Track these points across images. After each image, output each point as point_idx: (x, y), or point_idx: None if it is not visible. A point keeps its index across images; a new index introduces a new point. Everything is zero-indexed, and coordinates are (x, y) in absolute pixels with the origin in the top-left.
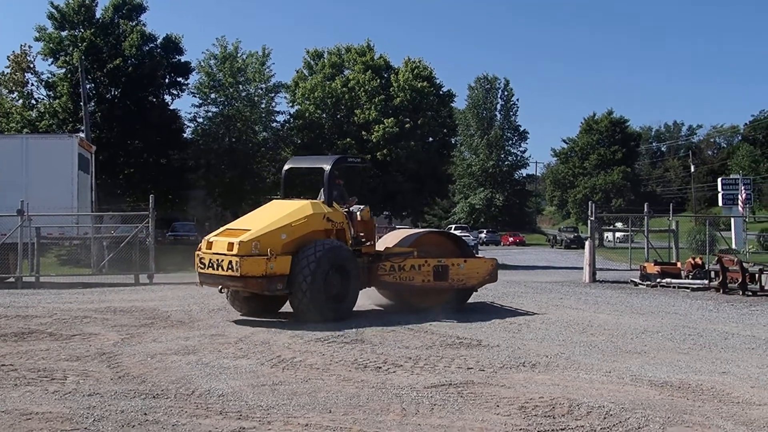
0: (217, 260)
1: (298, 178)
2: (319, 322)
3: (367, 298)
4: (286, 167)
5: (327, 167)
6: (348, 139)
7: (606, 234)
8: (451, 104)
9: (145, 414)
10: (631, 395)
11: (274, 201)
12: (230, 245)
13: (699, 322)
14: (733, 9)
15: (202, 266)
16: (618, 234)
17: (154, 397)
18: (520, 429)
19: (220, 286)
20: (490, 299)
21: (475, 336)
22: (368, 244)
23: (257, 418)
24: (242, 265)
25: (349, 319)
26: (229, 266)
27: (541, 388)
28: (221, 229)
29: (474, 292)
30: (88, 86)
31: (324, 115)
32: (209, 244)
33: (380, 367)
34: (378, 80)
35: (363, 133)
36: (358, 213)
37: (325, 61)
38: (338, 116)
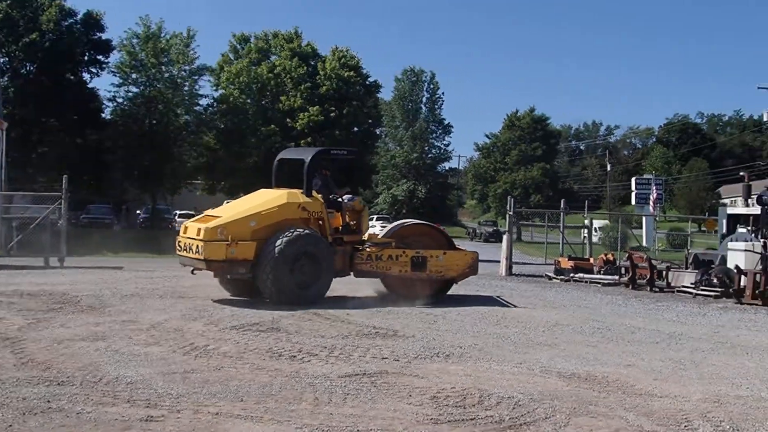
0: (189, 244)
1: (293, 168)
2: (285, 305)
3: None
4: (277, 158)
5: (307, 159)
6: (272, 126)
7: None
8: (377, 95)
9: (48, 402)
10: (540, 386)
11: (260, 190)
12: (198, 230)
13: (608, 316)
14: (656, 12)
15: (179, 249)
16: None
17: (58, 384)
18: (431, 418)
19: (192, 268)
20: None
21: (392, 326)
22: (357, 233)
23: (166, 407)
24: (205, 249)
25: (318, 304)
26: (197, 250)
27: (454, 378)
28: (201, 215)
29: (455, 284)
30: (1, 60)
31: (249, 101)
32: (185, 229)
33: (295, 356)
34: (305, 68)
35: (288, 120)
36: (348, 203)
37: (252, 45)
38: (263, 102)
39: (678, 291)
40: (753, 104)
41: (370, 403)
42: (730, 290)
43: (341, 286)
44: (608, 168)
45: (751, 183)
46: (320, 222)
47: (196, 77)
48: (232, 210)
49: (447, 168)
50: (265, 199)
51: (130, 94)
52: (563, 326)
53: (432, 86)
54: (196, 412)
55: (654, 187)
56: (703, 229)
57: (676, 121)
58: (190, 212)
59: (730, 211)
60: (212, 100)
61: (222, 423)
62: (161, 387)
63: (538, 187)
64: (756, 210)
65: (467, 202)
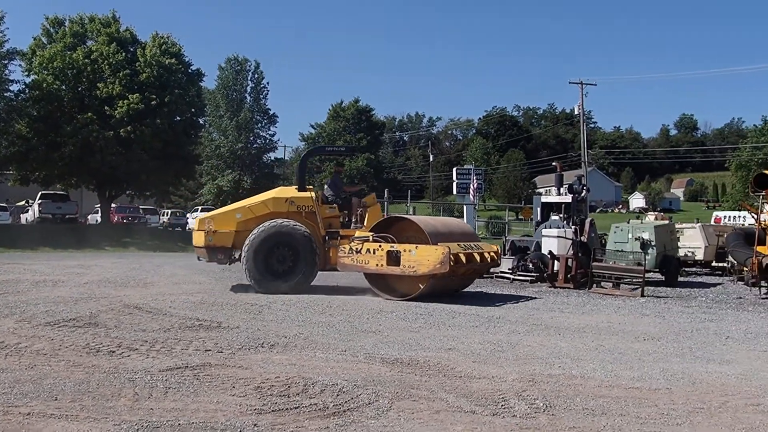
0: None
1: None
2: (261, 293)
3: None
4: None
5: (303, 156)
6: (89, 114)
7: None
8: (200, 83)
9: None
10: (363, 372)
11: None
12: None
13: (429, 302)
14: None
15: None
16: None
17: None
18: (255, 409)
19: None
20: (235, 281)
21: (215, 318)
22: (360, 227)
23: None
24: (193, 237)
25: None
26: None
27: (278, 368)
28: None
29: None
30: None
31: (64, 87)
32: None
33: (114, 351)
34: (123, 54)
35: (106, 108)
36: (358, 199)
37: (67, 29)
38: (79, 89)
39: (497, 276)
40: (565, 98)
41: (193, 396)
42: (545, 275)
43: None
44: (431, 159)
45: (563, 173)
46: (310, 215)
47: (6, 62)
48: (233, 204)
49: (273, 158)
50: (261, 195)
51: None
52: (387, 313)
53: (257, 75)
54: (5, 414)
55: (474, 177)
56: (520, 217)
57: (494, 113)
58: (2, 204)
59: (544, 199)
60: (24, 86)
61: (34, 423)
62: None
63: (363, 177)
64: (567, 198)
65: None
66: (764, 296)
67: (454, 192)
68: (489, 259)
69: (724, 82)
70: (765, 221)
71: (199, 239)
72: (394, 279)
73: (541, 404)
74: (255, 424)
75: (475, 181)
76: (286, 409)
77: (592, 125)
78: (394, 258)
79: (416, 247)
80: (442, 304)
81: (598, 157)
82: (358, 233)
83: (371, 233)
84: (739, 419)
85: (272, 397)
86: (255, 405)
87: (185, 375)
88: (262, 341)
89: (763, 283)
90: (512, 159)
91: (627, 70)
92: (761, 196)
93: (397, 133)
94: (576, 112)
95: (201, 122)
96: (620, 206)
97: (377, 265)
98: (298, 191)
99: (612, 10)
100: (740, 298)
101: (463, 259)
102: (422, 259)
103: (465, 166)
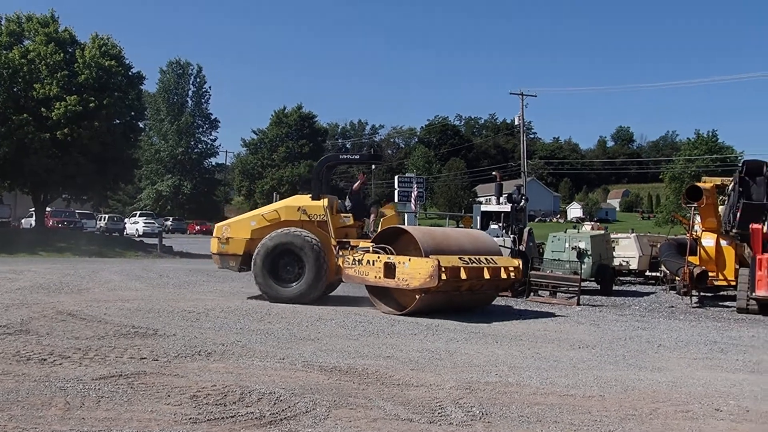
0: None
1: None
2: (270, 300)
3: None
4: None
5: (318, 163)
6: (25, 115)
7: None
8: (141, 86)
9: None
10: (301, 381)
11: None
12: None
13: (370, 309)
14: (409, 27)
15: None
16: None
17: None
18: (190, 418)
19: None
20: (171, 287)
21: (152, 325)
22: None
23: None
24: (211, 243)
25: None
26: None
27: (215, 376)
28: None
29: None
30: None
31: None
32: None
33: (45, 359)
34: (62, 54)
35: (42, 109)
36: (375, 209)
37: (2, 28)
38: (15, 89)
39: None
40: (506, 109)
41: (126, 405)
42: None
43: None
44: (373, 166)
45: (503, 182)
46: (322, 224)
47: None
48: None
49: (214, 163)
50: (276, 203)
51: None
52: (327, 321)
53: (199, 80)
54: None
55: (415, 186)
56: (460, 225)
57: (436, 122)
58: None
59: (483, 208)
60: None
61: None
62: None
63: (305, 184)
64: (507, 208)
65: (234, 199)
66: (695, 305)
67: (396, 200)
68: (506, 275)
69: (660, 96)
70: (696, 232)
71: (213, 246)
72: (398, 292)
73: (478, 412)
74: None
75: (416, 189)
76: (222, 418)
77: (532, 136)
78: (390, 270)
79: (409, 259)
80: (382, 312)
81: (537, 167)
82: (362, 243)
83: (372, 244)
84: (669, 426)
85: (208, 405)
86: (190, 414)
87: (119, 384)
88: (199, 349)
89: (693, 292)
90: (453, 168)
91: (567, 81)
92: (693, 208)
93: (339, 140)
94: (516, 123)
95: (141, 126)
96: (558, 216)
97: (375, 276)
98: (312, 200)
99: (554, 22)
100: (672, 306)
101: (464, 273)
102: (414, 272)
103: (407, 175)
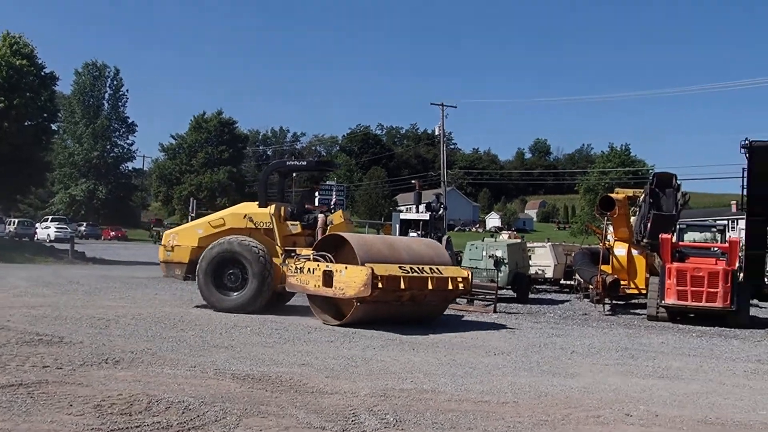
0: None
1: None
2: (216, 310)
3: None
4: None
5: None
6: None
7: None
8: (54, 87)
9: None
10: (212, 389)
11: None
12: None
13: (288, 317)
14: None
15: None
16: None
17: None
18: (92, 428)
19: None
20: (81, 294)
21: (58, 332)
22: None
23: None
24: (158, 251)
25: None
26: None
27: (122, 385)
28: None
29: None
30: None
31: None
32: None
33: None
34: None
35: None
36: (323, 217)
37: None
38: None
39: None
40: (427, 119)
41: (24, 416)
42: None
43: None
44: (294, 174)
45: (422, 191)
46: (268, 232)
47: None
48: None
49: (131, 168)
50: (223, 210)
51: None
52: (241, 328)
53: (115, 83)
54: None
55: (335, 193)
56: (380, 233)
57: (358, 131)
58: None
59: (403, 216)
60: None
61: None
62: None
63: (224, 190)
64: (425, 216)
65: (152, 204)
66: (608, 312)
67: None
68: (453, 285)
69: (575, 109)
70: (609, 242)
71: (160, 254)
72: (341, 301)
73: (392, 419)
74: None
75: (335, 197)
76: (127, 428)
77: (452, 146)
78: (329, 278)
79: (346, 267)
80: (298, 319)
81: (457, 177)
82: (304, 252)
83: (312, 251)
84: (580, 431)
85: (112, 415)
86: (93, 424)
87: (18, 393)
88: (106, 357)
89: (606, 300)
90: (375, 177)
91: (487, 94)
92: (606, 218)
93: (260, 147)
94: (437, 133)
95: (54, 128)
96: (477, 225)
97: (315, 285)
98: (259, 207)
99: (475, 37)
100: (585, 314)
101: (403, 283)
102: (350, 280)
103: (327, 182)
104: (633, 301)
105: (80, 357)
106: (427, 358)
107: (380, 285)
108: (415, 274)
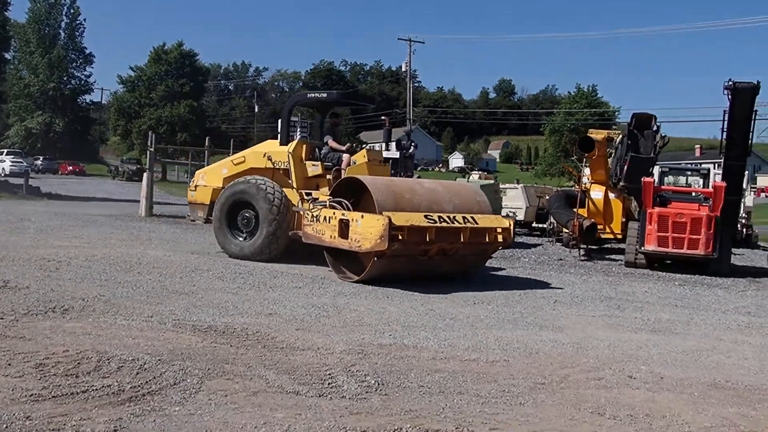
0: None
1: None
2: (229, 256)
3: None
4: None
5: (285, 105)
6: None
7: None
8: (6, 13)
9: None
10: (171, 344)
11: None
12: None
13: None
14: None
15: None
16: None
17: None
18: (32, 394)
19: None
20: (32, 232)
21: (2, 276)
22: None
23: None
24: (187, 192)
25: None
26: None
27: (69, 338)
28: None
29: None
30: None
31: None
32: None
33: None
34: None
35: None
36: (347, 157)
37: None
38: None
39: None
40: (392, 57)
41: None
42: None
43: None
44: (256, 109)
45: (391, 129)
46: (286, 172)
47: None
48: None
49: (89, 101)
50: (248, 149)
51: None
52: (203, 271)
53: (72, 11)
54: None
55: (299, 129)
56: None
57: (321, 67)
58: None
59: None
60: None
61: None
62: None
63: (185, 125)
64: (396, 154)
65: (110, 139)
66: (583, 258)
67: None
68: (491, 238)
69: (540, 49)
70: (586, 184)
71: (187, 195)
72: (364, 256)
73: (373, 381)
74: (27, 417)
75: (299, 133)
76: (72, 393)
77: (417, 85)
78: (345, 228)
79: (362, 216)
80: (263, 263)
81: (421, 116)
82: (321, 197)
83: (329, 197)
84: (583, 396)
85: (56, 377)
86: (32, 389)
87: None
88: (53, 305)
89: (582, 245)
90: (338, 112)
91: (451, 30)
92: (584, 160)
93: (222, 82)
94: (404, 69)
95: (7, 57)
96: (440, 165)
97: (331, 236)
98: (279, 145)
99: None
100: (561, 259)
101: (429, 235)
102: (365, 231)
103: (291, 119)
104: (606, 245)
105: (25, 305)
106: (403, 308)
107: (401, 237)
108: (444, 224)
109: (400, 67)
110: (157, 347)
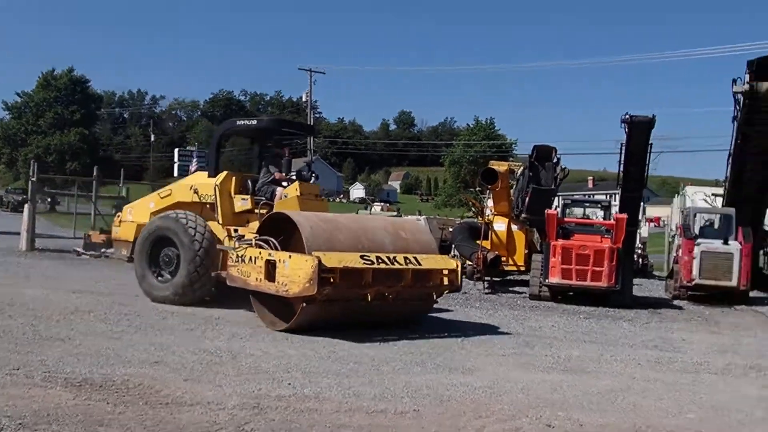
0: None
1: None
2: (151, 300)
3: None
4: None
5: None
6: None
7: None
8: None
9: None
10: (37, 402)
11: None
12: None
13: (140, 299)
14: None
15: None
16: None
17: None
18: None
19: None
20: None
21: None
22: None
23: None
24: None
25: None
26: None
27: None
28: None
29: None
30: None
31: None
32: None
33: None
34: None
35: None
36: (281, 190)
37: None
38: None
39: None
40: (293, 88)
41: None
42: None
43: None
44: (152, 138)
45: (292, 158)
46: (212, 206)
47: None
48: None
49: None
50: (176, 182)
51: None
52: (84, 313)
53: None
54: None
55: (195, 159)
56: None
57: (221, 96)
58: None
59: None
60: None
61: None
62: None
63: (75, 154)
64: None
65: None
66: (486, 291)
67: (176, 174)
68: (437, 280)
69: (439, 82)
70: (489, 216)
71: (112, 231)
72: (293, 301)
73: None
74: None
75: (195, 163)
76: None
77: (318, 115)
78: (272, 270)
79: (289, 256)
80: (153, 303)
81: (322, 146)
82: (247, 234)
83: (255, 234)
84: None
85: None
86: None
87: None
88: None
89: (486, 277)
90: (238, 144)
91: (352, 61)
92: (487, 191)
93: (116, 109)
94: (304, 100)
95: None
96: (342, 196)
97: (257, 279)
98: (208, 177)
99: (341, 9)
100: (465, 293)
101: (365, 277)
102: (293, 274)
103: (188, 148)
104: (509, 277)
105: None
106: (303, 351)
107: (332, 280)
108: (383, 265)
109: (301, 97)
110: (19, 407)
